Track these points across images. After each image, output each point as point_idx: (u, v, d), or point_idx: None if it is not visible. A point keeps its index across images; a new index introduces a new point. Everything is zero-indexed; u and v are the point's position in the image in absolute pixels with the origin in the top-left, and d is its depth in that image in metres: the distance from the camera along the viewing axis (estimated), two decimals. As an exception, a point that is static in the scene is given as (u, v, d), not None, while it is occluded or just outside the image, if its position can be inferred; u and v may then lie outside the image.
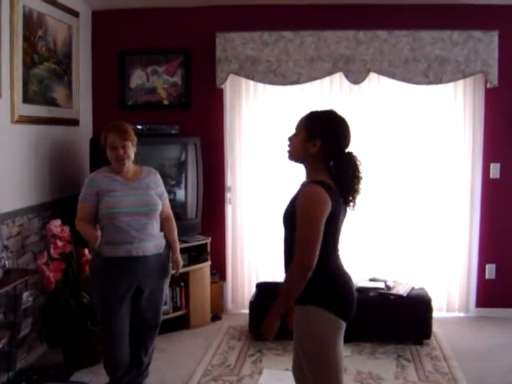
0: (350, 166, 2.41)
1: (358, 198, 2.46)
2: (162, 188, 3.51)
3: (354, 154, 2.45)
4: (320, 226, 2.30)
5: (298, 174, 2.53)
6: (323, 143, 2.39)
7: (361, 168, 2.44)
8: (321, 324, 2.37)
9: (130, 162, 3.37)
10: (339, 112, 2.50)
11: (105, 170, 3.41)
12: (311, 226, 2.30)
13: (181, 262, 3.62)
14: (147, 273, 3.36)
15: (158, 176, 3.52)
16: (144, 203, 3.34)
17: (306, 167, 2.49)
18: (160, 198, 3.44)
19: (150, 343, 3.54)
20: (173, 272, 3.59)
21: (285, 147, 2.52)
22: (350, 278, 2.50)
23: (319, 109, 2.52)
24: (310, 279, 2.31)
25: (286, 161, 2.57)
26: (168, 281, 3.57)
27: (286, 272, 2.44)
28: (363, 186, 2.46)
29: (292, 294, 2.35)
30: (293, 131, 2.51)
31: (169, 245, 3.53)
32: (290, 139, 2.50)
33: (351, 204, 2.46)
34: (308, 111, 2.51)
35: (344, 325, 2.42)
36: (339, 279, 2.44)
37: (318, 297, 2.37)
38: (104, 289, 3.33)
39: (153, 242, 3.36)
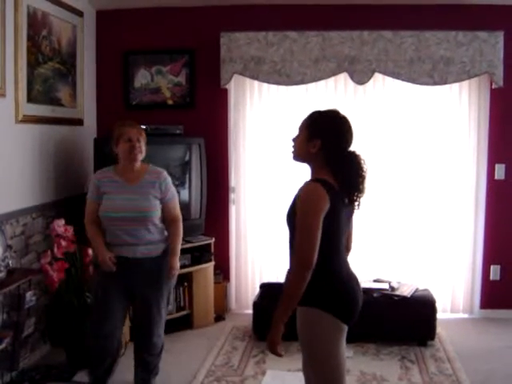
0: (352, 166, 2.38)
1: (363, 198, 2.43)
2: (167, 190, 3.37)
3: (357, 153, 2.42)
4: (317, 224, 2.25)
5: (301, 174, 2.51)
6: (323, 143, 2.38)
7: (364, 167, 2.40)
8: (322, 326, 2.34)
9: (140, 160, 3.36)
10: (342, 111, 2.47)
11: (108, 170, 3.41)
12: (308, 224, 2.26)
13: (176, 269, 3.39)
14: (138, 276, 3.32)
15: (164, 177, 3.38)
16: (138, 209, 3.26)
17: (310, 167, 2.47)
18: (162, 201, 3.34)
19: (151, 345, 3.47)
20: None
21: (289, 147, 2.51)
22: (355, 280, 2.46)
23: (322, 108, 2.50)
24: (313, 280, 2.26)
25: (290, 161, 2.55)
26: (167, 287, 3.44)
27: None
28: (367, 185, 2.42)
29: (295, 295, 2.26)
30: (296, 131, 2.49)
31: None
32: (294, 140, 2.49)
33: (356, 204, 2.42)
34: (311, 111, 2.49)
35: (346, 328, 2.39)
36: (342, 281, 2.40)
37: (319, 299, 2.33)
38: (98, 285, 3.40)
39: (147, 247, 3.31)
